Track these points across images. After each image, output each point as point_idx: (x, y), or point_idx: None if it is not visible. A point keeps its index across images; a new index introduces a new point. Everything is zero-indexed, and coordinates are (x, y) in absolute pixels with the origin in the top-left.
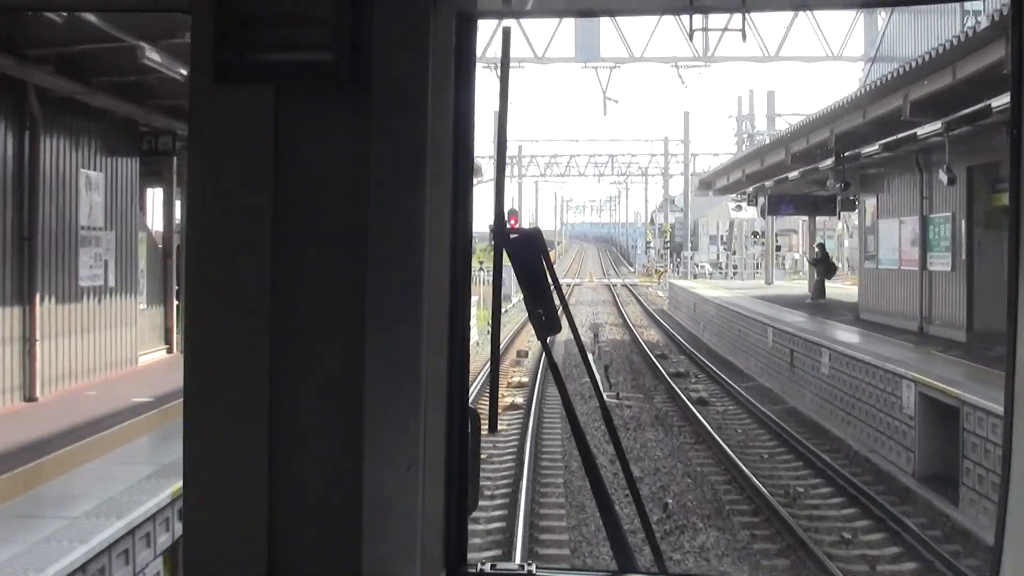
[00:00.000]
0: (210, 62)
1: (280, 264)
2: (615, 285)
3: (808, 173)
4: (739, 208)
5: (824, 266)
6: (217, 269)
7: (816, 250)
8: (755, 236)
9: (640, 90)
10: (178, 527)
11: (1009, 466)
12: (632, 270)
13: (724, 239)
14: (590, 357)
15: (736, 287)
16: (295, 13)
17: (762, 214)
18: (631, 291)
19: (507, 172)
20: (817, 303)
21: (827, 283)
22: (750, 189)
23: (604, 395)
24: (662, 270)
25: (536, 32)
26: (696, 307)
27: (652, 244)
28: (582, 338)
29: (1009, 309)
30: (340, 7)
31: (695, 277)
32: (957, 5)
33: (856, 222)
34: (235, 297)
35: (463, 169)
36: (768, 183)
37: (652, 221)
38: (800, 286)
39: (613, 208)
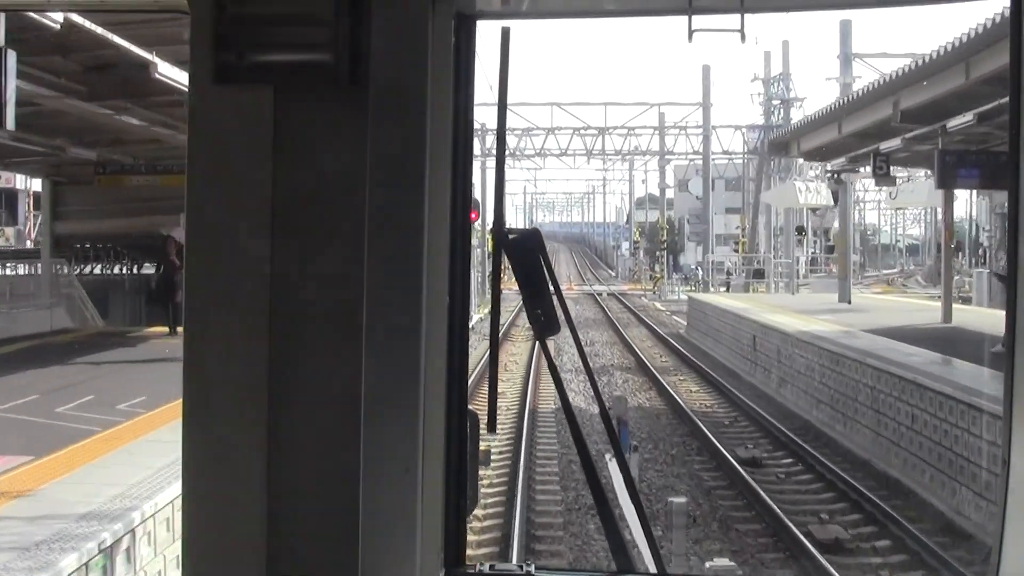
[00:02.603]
0: (209, 63)
1: (279, 265)
2: (600, 294)
3: None
4: (838, 182)
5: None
6: (216, 270)
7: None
8: (799, 233)
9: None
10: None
11: (1008, 467)
12: (613, 274)
13: (734, 239)
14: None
15: (793, 306)
16: (294, 14)
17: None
18: (623, 303)
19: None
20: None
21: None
22: (896, 142)
23: None
24: (658, 276)
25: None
26: (758, 342)
27: (640, 244)
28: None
29: (1008, 309)
30: (338, 8)
31: (727, 288)
32: None
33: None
34: (234, 298)
35: (462, 170)
36: (958, 121)
37: (629, 219)
38: (901, 305)
39: (587, 204)
